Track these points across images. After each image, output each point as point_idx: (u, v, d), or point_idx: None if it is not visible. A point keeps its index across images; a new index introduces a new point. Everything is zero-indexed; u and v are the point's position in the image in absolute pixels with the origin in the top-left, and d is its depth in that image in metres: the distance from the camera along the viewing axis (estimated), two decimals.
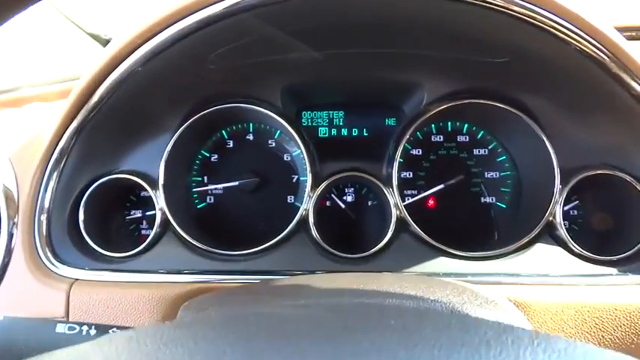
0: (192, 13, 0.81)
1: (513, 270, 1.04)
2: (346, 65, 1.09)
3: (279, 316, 0.50)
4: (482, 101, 1.11)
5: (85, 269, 1.07)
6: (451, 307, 0.67)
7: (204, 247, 1.10)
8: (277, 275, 1.06)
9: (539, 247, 1.06)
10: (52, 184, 1.05)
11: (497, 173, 1.24)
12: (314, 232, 1.09)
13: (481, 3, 0.81)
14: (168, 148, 1.12)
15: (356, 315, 0.49)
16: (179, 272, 1.07)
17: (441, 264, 1.06)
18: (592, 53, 0.85)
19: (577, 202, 1.21)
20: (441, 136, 1.27)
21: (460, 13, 0.81)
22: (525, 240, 1.06)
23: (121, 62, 0.89)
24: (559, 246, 1.06)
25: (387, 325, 0.44)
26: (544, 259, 1.05)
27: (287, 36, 0.88)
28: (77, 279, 1.04)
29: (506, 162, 1.25)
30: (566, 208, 1.19)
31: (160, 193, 1.12)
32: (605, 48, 0.84)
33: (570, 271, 1.03)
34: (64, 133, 1.01)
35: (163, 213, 1.12)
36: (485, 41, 0.91)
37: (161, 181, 1.12)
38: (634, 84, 0.89)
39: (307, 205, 1.12)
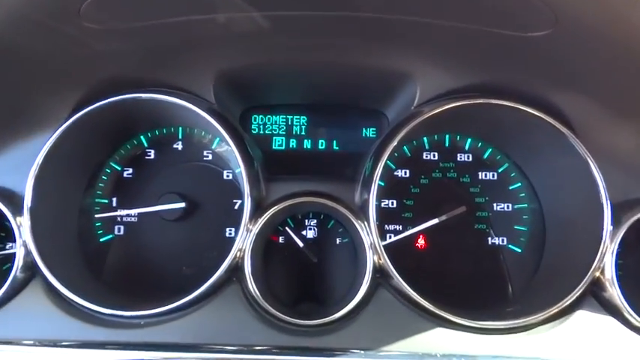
0: None
1: (545, 351, 0.76)
2: (305, 40, 0.83)
3: None
4: (495, 102, 0.85)
5: None
6: None
7: (87, 304, 0.81)
8: (187, 352, 0.75)
9: (582, 317, 0.79)
10: None
11: (511, 205, 1.01)
12: (250, 283, 0.82)
13: None
14: (43, 153, 0.85)
15: None
16: (43, 343, 0.78)
17: (436, 338, 0.79)
18: None
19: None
20: (436, 154, 1.03)
21: None
22: (561, 305, 0.78)
23: None
24: (610, 315, 0.78)
25: None
26: (589, 333, 0.77)
27: None
28: None
29: (522, 190, 1.01)
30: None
31: (26, 220, 0.79)
32: None
33: (629, 353, 0.74)
34: None
35: (28, 251, 0.78)
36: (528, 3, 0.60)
37: (27, 204, 0.82)
38: None
39: (244, 243, 0.84)
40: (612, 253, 0.77)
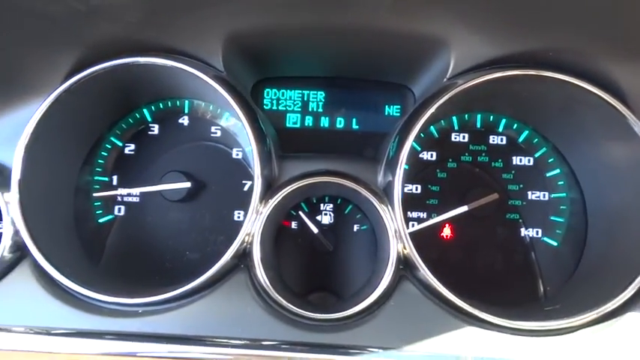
0: None
1: (589, 357, 0.68)
2: (326, 7, 0.69)
3: None
4: (542, 72, 0.77)
5: None
6: None
7: (80, 289, 0.75)
8: (189, 344, 0.69)
9: (631, 320, 0.71)
10: None
11: (547, 194, 0.94)
12: (259, 270, 0.75)
13: None
14: (34, 122, 0.78)
15: None
16: (32, 330, 0.73)
17: (465, 338, 0.72)
18: None
19: None
20: (466, 135, 0.96)
21: None
22: (607, 307, 0.71)
23: None
24: None
25: None
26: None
27: None
28: None
29: (561, 177, 0.94)
30: None
31: (14, 195, 0.74)
32: None
33: None
34: None
35: (16, 230, 0.72)
36: None
37: (16, 176, 0.76)
38: None
39: (253, 227, 0.77)
40: None
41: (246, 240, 0.77)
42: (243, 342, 0.72)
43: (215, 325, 0.72)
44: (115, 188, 0.94)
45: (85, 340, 0.72)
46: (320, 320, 0.74)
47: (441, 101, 0.77)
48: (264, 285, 0.75)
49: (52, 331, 0.74)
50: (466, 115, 0.96)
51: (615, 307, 0.72)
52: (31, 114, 0.78)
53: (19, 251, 0.77)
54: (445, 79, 0.81)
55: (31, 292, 0.74)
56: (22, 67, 0.78)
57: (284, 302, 0.74)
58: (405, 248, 0.76)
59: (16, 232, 0.75)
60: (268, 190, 0.82)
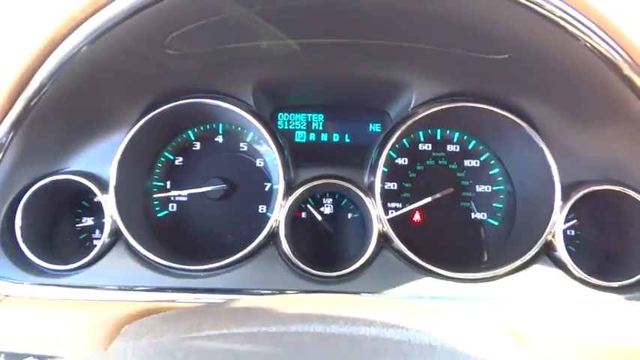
0: None
1: (507, 295, 0.94)
2: (325, 59, 0.99)
3: (216, 350, 0.38)
4: (475, 105, 1.01)
5: (21, 283, 0.94)
6: (439, 342, 0.55)
7: (160, 260, 0.98)
8: (240, 295, 0.92)
9: (536, 270, 0.97)
10: None
11: (490, 187, 1.16)
12: (285, 245, 0.99)
13: None
14: (123, 145, 1.00)
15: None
16: (129, 289, 0.95)
17: (426, 286, 0.95)
18: (603, 51, 0.74)
19: (575, 221, 1.10)
20: (430, 145, 1.18)
21: (466, 1, 0.70)
22: (521, 261, 0.96)
23: (60, 43, 0.75)
24: (558, 268, 0.96)
25: None
26: (541, 282, 0.95)
27: (256, 19, 0.76)
28: (8, 295, 0.90)
29: (499, 175, 1.17)
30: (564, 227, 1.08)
31: (111, 196, 0.99)
32: (619, 45, 0.73)
33: (571, 297, 0.93)
34: None
35: (114, 220, 0.99)
36: (488, 34, 0.81)
37: (112, 183, 0.99)
38: None
39: (278, 216, 1.01)
40: (561, 221, 0.96)
41: (273, 225, 1.00)
42: (272, 291, 0.94)
43: (254, 282, 0.95)
44: (168, 191, 1.14)
45: (163, 293, 0.93)
46: (326, 277, 0.95)
47: (407, 124, 1.02)
48: (288, 254, 0.97)
49: (136, 288, 0.94)
50: (429, 130, 1.16)
51: (525, 261, 0.95)
52: (116, 140, 1.00)
53: (115, 236, 0.99)
54: (410, 109, 1.05)
55: (124, 263, 0.97)
56: (112, 108, 0.99)
57: (301, 265, 0.95)
58: (383, 227, 0.99)
59: (114, 222, 0.98)
60: (288, 190, 1.03)
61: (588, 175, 0.99)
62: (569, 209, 1.00)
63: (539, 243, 0.96)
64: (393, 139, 1.04)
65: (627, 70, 0.76)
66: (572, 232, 1.12)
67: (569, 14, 0.71)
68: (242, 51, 0.90)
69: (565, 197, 0.97)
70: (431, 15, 0.75)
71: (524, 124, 0.99)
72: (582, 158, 0.99)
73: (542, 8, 0.70)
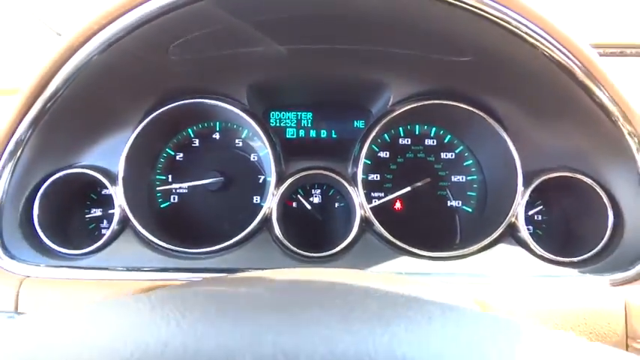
0: (149, 0, 0.79)
1: (475, 270, 1.04)
2: (312, 63, 1.09)
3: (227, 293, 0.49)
4: (447, 102, 1.12)
5: (39, 266, 1.03)
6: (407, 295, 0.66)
7: (164, 244, 1.08)
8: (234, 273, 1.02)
9: (502, 248, 1.07)
10: (5, 176, 1.01)
11: (464, 177, 1.26)
12: (277, 230, 1.08)
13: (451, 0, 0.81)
14: (129, 142, 1.10)
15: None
16: (137, 269, 1.05)
17: (404, 264, 1.05)
18: (560, 60, 0.85)
19: (541, 207, 1.22)
20: (409, 139, 1.28)
21: (427, 9, 0.81)
22: (488, 241, 1.07)
23: (76, 51, 0.86)
24: (521, 247, 1.07)
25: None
26: (506, 259, 1.06)
27: (250, 28, 0.87)
28: (28, 276, 1.00)
29: (472, 166, 1.27)
30: (531, 212, 1.21)
31: (120, 188, 1.10)
32: (573, 56, 0.85)
33: (532, 271, 1.03)
34: (19, 124, 0.98)
35: (122, 209, 1.09)
36: (450, 39, 0.92)
37: (121, 175, 1.09)
38: (598, 92, 0.89)
39: (271, 204, 1.11)
40: (522, 205, 1.06)
41: (266, 212, 1.09)
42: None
43: (249, 263, 1.04)
44: (170, 183, 1.22)
45: (168, 273, 1.01)
46: (314, 257, 1.05)
47: (385, 120, 1.13)
48: (279, 238, 1.06)
49: (143, 268, 1.02)
50: (408, 126, 1.25)
51: (491, 241, 1.05)
52: (123, 138, 1.09)
53: (123, 224, 1.09)
54: (388, 106, 1.14)
55: (132, 248, 1.06)
56: (119, 108, 1.08)
57: (291, 247, 1.04)
58: (365, 213, 1.09)
59: (122, 211, 1.07)
60: (279, 180, 1.12)
61: (548, 163, 1.10)
62: (538, 198, 1.11)
63: (503, 225, 1.06)
64: (373, 134, 1.13)
65: (581, 77, 0.87)
66: (540, 218, 1.23)
67: (529, 28, 0.82)
68: (236, 56, 1.00)
69: (527, 183, 1.08)
70: (397, 22, 0.86)
71: (490, 120, 1.10)
72: (543, 149, 1.09)
73: (503, 21, 0.81)
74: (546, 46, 0.85)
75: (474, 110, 1.11)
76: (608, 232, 1.04)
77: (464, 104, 1.11)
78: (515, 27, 0.83)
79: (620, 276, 0.97)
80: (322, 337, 0.34)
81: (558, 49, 0.85)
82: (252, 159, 1.26)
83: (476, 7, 0.80)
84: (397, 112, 1.13)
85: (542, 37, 0.84)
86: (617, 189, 1.03)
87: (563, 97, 0.97)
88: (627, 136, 0.94)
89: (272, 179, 1.13)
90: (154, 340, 0.34)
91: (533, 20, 0.83)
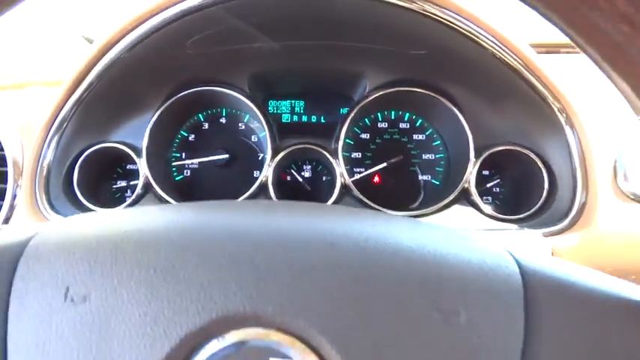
0: (171, 6, 1.03)
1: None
2: (302, 57, 1.31)
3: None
4: (413, 89, 1.34)
5: None
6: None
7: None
8: None
9: (456, 209, 1.30)
10: (52, 148, 1.25)
11: (433, 155, 1.45)
12: (272, 193, 1.30)
13: (400, 3, 1.05)
14: (152, 122, 1.33)
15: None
16: None
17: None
18: (506, 60, 1.08)
19: (498, 180, 1.44)
20: (386, 123, 1.49)
21: (378, 9, 1.04)
22: (444, 202, 1.29)
23: (110, 49, 1.10)
24: (473, 208, 1.29)
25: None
26: (459, 217, 1.28)
27: (250, 27, 1.11)
28: None
29: (440, 146, 1.47)
30: (489, 185, 1.43)
31: (144, 160, 1.33)
32: (517, 57, 1.08)
33: (479, 226, 1.25)
34: (64, 105, 1.22)
35: (146, 177, 1.33)
36: (408, 36, 1.15)
37: (144, 149, 1.33)
38: (538, 85, 1.13)
39: (267, 173, 1.34)
40: (472, 173, 1.27)
41: (263, 180, 1.31)
42: None
43: None
44: (184, 160, 1.40)
45: None
46: None
47: (359, 105, 1.33)
48: (273, 199, 1.31)
49: None
50: (385, 112, 1.42)
51: (447, 203, 1.26)
52: (146, 119, 1.32)
53: (146, 188, 1.32)
54: (365, 93, 1.36)
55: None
56: (141, 95, 1.29)
57: None
58: (345, 181, 1.30)
59: (146, 178, 1.29)
60: (275, 154, 1.34)
61: (496, 139, 1.31)
62: (496, 173, 1.34)
63: (457, 189, 1.28)
64: (351, 117, 1.35)
65: (525, 74, 1.11)
66: (498, 190, 1.46)
67: (477, 32, 1.06)
68: (239, 51, 1.24)
69: (477, 155, 1.30)
70: (364, 22, 1.10)
71: (449, 104, 1.30)
72: (492, 127, 1.31)
73: (453, 24, 1.05)
74: (493, 48, 1.08)
75: (436, 96, 1.32)
76: (544, 195, 1.26)
77: (428, 91, 1.33)
78: (464, 29, 1.06)
79: (550, 229, 1.19)
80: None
81: (504, 50, 1.08)
82: (253, 140, 1.43)
83: (424, 11, 1.04)
84: (370, 98, 1.34)
85: (488, 39, 1.07)
86: (552, 158, 1.25)
87: (508, 86, 1.19)
88: (557, 112, 1.16)
89: (268, 153, 1.35)
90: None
91: (479, 25, 1.06)
